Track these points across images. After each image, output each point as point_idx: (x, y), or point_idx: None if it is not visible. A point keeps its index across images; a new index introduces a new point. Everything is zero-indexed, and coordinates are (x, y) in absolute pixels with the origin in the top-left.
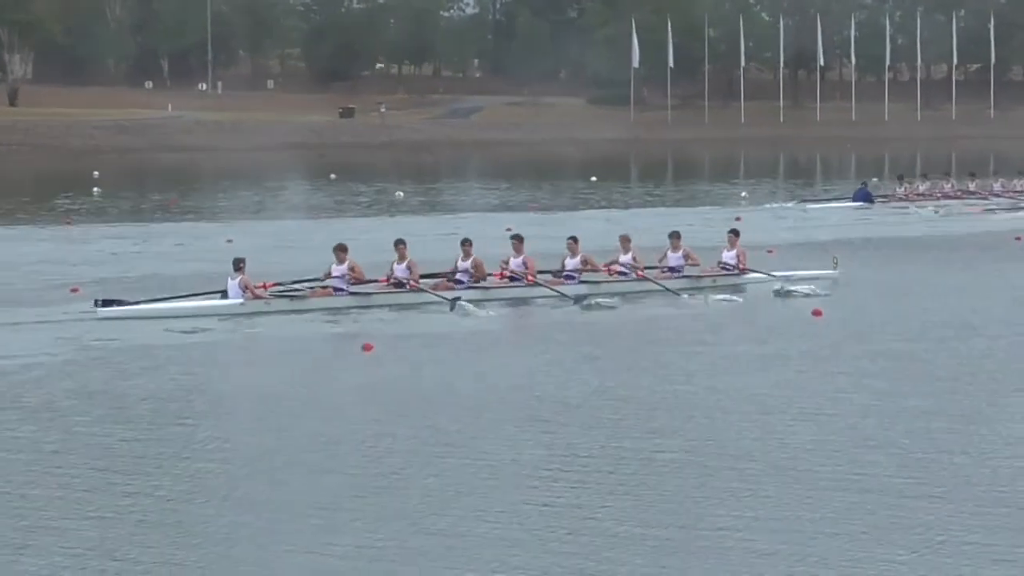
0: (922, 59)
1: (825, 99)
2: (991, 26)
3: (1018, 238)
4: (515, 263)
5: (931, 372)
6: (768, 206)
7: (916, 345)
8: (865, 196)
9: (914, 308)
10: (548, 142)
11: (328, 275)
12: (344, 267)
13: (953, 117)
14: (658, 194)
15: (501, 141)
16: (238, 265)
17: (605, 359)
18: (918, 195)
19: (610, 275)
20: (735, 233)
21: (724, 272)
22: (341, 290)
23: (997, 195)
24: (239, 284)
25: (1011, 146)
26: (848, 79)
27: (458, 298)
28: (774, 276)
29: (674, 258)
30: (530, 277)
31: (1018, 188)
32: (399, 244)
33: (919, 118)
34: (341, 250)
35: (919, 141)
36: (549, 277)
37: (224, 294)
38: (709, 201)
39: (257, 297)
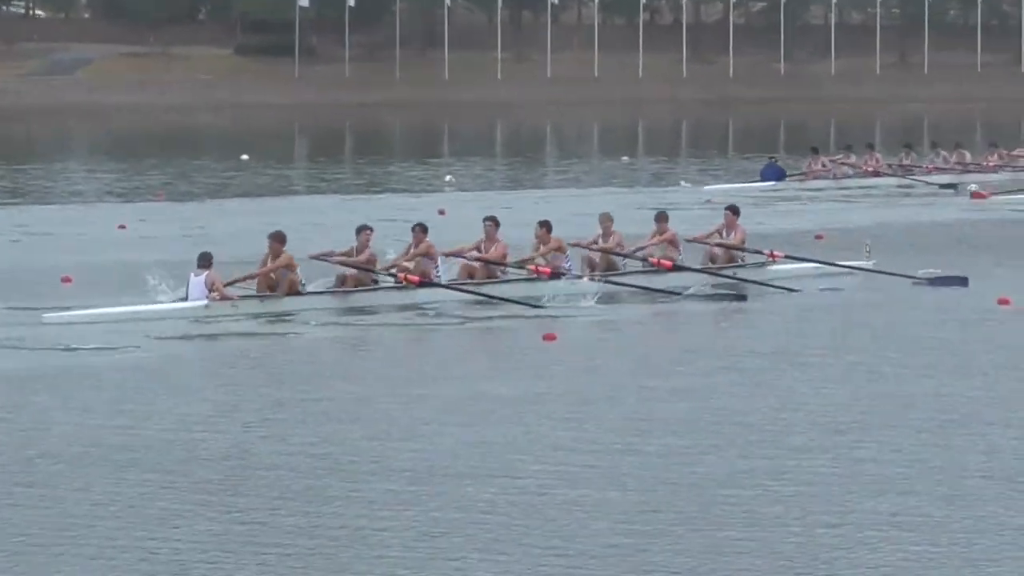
0: None
1: (558, 49)
2: None
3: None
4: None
5: None
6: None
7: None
8: (776, 173)
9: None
10: (182, 107)
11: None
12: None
13: (731, 73)
14: (332, 177)
15: (117, 106)
16: (205, 260)
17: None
18: (849, 164)
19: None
20: (734, 211)
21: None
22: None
23: (942, 169)
24: (205, 282)
25: (807, 112)
26: (589, 22)
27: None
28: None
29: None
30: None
31: (964, 161)
32: (364, 230)
33: (684, 73)
34: (278, 241)
35: (683, 104)
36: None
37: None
38: (402, 186)
39: (225, 298)
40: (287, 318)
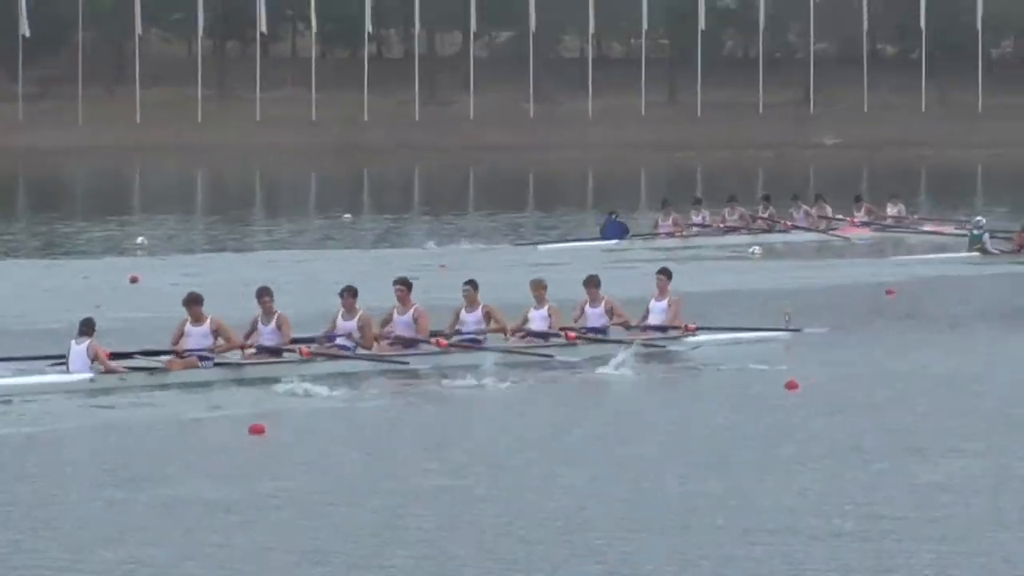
0: (421, 25)
1: (269, 86)
2: None
3: (890, 291)
4: (471, 317)
5: None
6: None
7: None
8: (618, 230)
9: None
10: None
11: (180, 337)
12: (205, 328)
13: (471, 115)
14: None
15: None
16: (87, 327)
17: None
18: (696, 224)
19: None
20: (667, 275)
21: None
22: (207, 359)
23: (802, 227)
24: (87, 351)
25: (561, 160)
26: (306, 55)
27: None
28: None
29: (594, 314)
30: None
31: (827, 215)
32: (264, 295)
33: (417, 116)
34: (196, 303)
35: (416, 151)
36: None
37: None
38: (86, 248)
39: (110, 370)
40: (187, 390)
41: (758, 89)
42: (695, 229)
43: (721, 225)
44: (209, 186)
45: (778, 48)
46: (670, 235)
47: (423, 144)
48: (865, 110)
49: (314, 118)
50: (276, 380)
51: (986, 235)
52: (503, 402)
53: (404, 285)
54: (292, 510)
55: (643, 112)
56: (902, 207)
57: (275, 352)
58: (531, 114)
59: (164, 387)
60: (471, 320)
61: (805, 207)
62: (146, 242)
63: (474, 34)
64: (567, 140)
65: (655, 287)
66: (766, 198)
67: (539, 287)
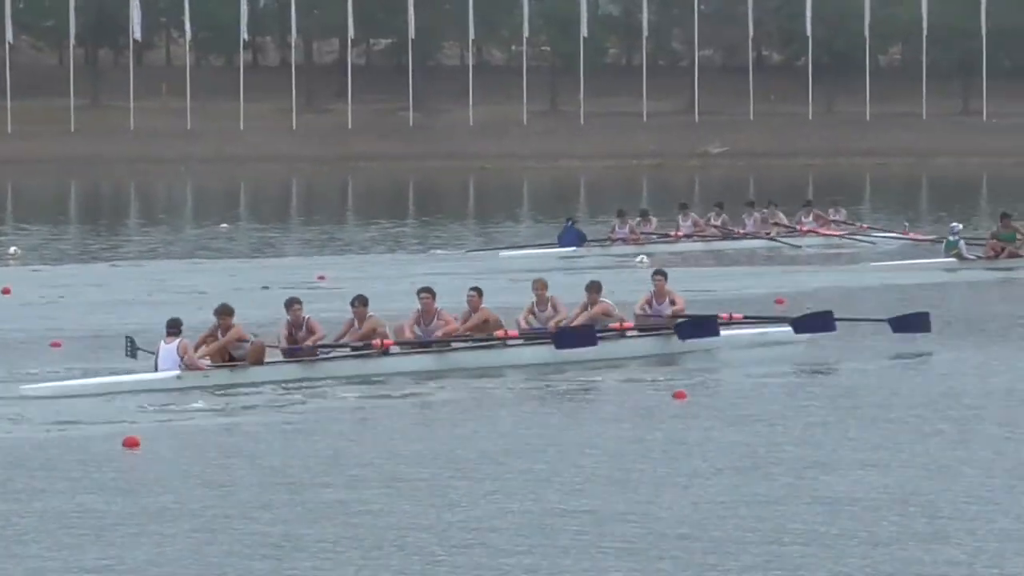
0: (298, 32)
1: (143, 95)
2: None
3: (779, 300)
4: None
5: None
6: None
7: None
8: (574, 238)
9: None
10: None
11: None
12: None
13: (349, 124)
14: None
15: None
16: (175, 327)
17: None
18: (650, 234)
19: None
20: (663, 276)
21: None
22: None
23: (754, 234)
24: (176, 350)
25: (441, 170)
26: (180, 63)
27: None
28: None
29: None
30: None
31: (780, 222)
32: (294, 304)
33: (294, 124)
34: (227, 315)
35: (294, 160)
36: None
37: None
38: None
39: (195, 368)
40: (258, 388)
41: (642, 97)
42: (654, 237)
43: (677, 233)
44: (83, 197)
45: (662, 56)
46: (625, 242)
47: (300, 153)
48: (751, 118)
49: (189, 127)
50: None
51: (962, 241)
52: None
53: (429, 293)
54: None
55: (525, 121)
56: (844, 212)
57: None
58: (411, 123)
59: (244, 384)
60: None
61: (756, 214)
62: (19, 252)
63: (352, 41)
64: (446, 150)
65: (653, 288)
66: (719, 205)
67: (541, 286)
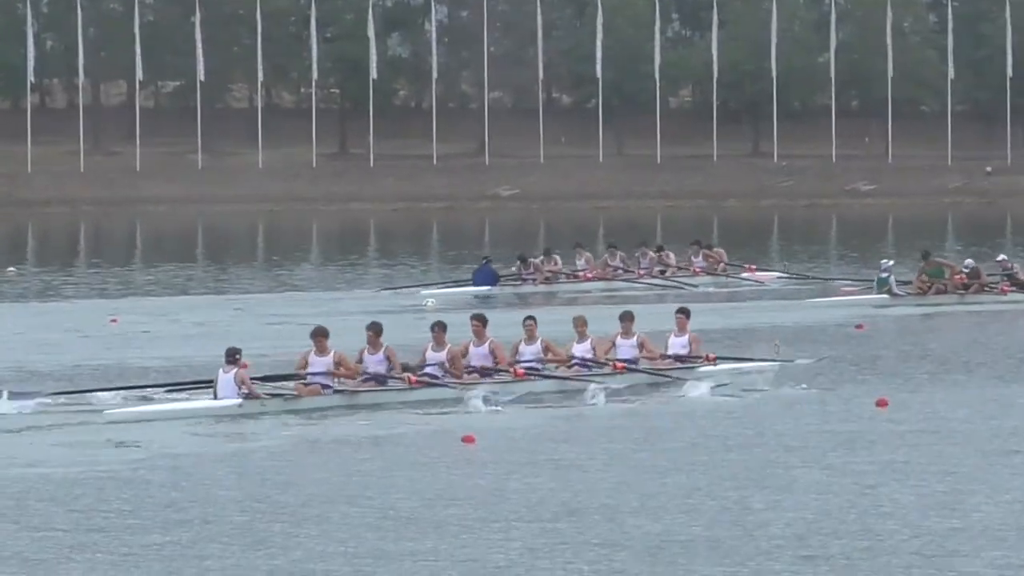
0: (85, 75)
1: None
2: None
3: (860, 326)
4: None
5: None
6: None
7: None
8: (488, 277)
9: None
10: None
11: (304, 366)
12: (328, 359)
13: (137, 167)
14: None
15: None
16: (233, 356)
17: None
18: (557, 273)
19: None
20: (686, 314)
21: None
22: (327, 387)
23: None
24: (235, 380)
25: (231, 213)
26: None
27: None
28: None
29: (626, 346)
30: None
31: (671, 263)
32: (371, 330)
33: (82, 167)
34: (322, 336)
35: (81, 203)
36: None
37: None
38: None
39: (254, 396)
40: (317, 416)
41: (432, 140)
42: (562, 277)
43: (587, 275)
44: None
45: (452, 98)
46: (535, 282)
47: (88, 196)
48: (541, 161)
49: None
50: (390, 405)
51: (892, 278)
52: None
53: (480, 321)
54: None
55: (314, 164)
56: (722, 252)
57: (382, 380)
58: (199, 165)
59: (295, 412)
60: (529, 352)
61: (651, 254)
62: None
63: (140, 84)
64: (235, 193)
65: (675, 325)
66: (612, 246)
67: (581, 323)
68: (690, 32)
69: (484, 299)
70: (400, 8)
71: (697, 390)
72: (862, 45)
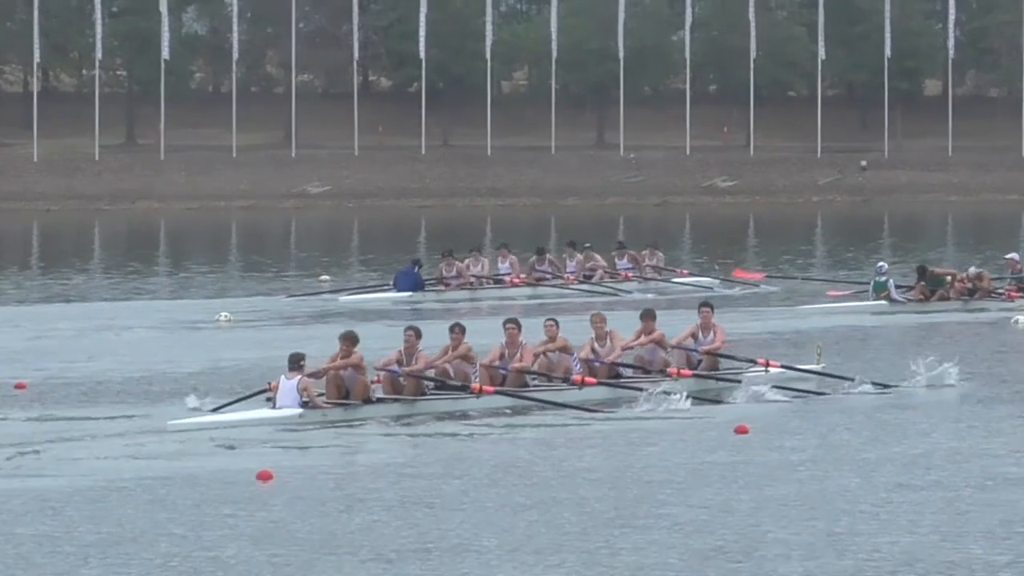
0: None
1: None
2: None
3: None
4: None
5: None
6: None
7: None
8: (413, 281)
9: None
10: None
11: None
12: (351, 371)
13: None
14: None
15: None
16: (298, 363)
17: None
18: (479, 277)
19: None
20: (710, 307)
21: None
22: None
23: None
24: (297, 387)
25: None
26: None
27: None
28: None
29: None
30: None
31: (600, 264)
32: (409, 331)
33: None
34: (351, 342)
35: None
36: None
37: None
38: None
39: (316, 406)
40: (369, 424)
41: (231, 129)
42: (487, 282)
43: (514, 279)
44: None
45: (255, 82)
46: (461, 287)
47: None
48: (356, 153)
49: None
50: (455, 414)
51: (891, 282)
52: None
53: (515, 325)
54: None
55: (97, 156)
56: (660, 256)
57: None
58: None
59: (360, 421)
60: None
61: (579, 256)
62: None
63: None
64: (8, 189)
65: (699, 320)
66: (540, 251)
67: (600, 320)
68: (526, 6)
69: (406, 305)
70: None
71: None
72: (721, 21)
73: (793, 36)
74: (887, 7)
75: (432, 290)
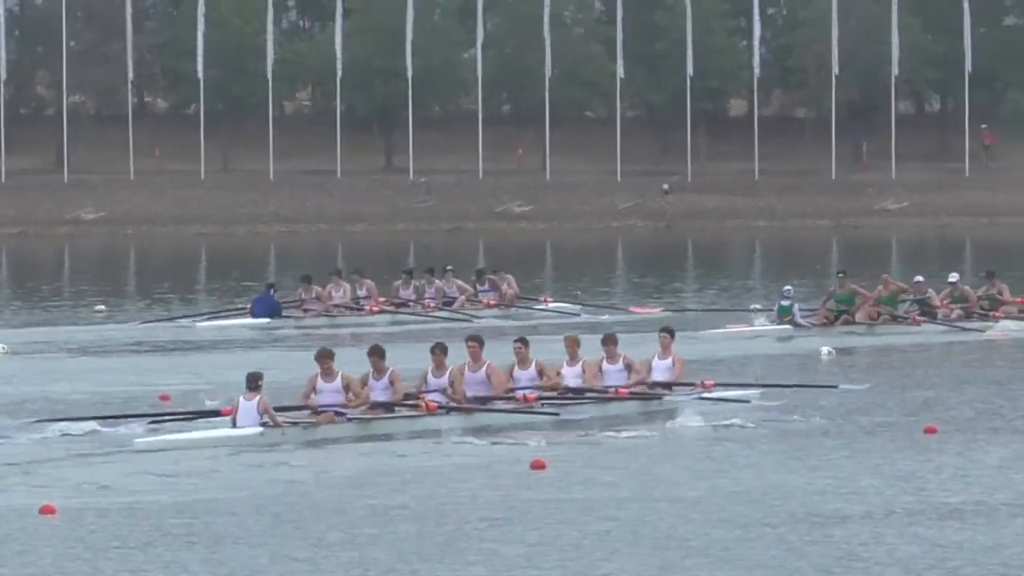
0: None
1: None
2: None
3: None
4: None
5: None
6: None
7: None
8: (269, 307)
9: None
10: None
11: (312, 391)
12: (337, 384)
13: None
14: None
15: None
16: (256, 383)
17: None
18: (341, 306)
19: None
20: (670, 333)
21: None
22: (341, 414)
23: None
24: (257, 407)
25: None
26: None
27: None
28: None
29: (613, 370)
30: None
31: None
32: (374, 354)
33: None
34: (328, 358)
35: None
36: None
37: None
38: None
39: (276, 424)
40: (333, 445)
41: None
42: (344, 310)
43: (372, 308)
44: None
45: (23, 103)
46: (318, 314)
47: None
48: (132, 178)
49: None
50: (411, 433)
51: (796, 306)
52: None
53: (477, 342)
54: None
55: None
56: (511, 279)
57: (389, 407)
58: None
59: (314, 442)
60: (524, 377)
61: (438, 282)
62: None
63: None
64: None
65: (658, 346)
66: (407, 272)
67: (573, 343)
68: (309, 23)
69: (264, 332)
70: None
71: (691, 419)
72: (515, 38)
73: (590, 54)
74: (688, 24)
75: (289, 316)
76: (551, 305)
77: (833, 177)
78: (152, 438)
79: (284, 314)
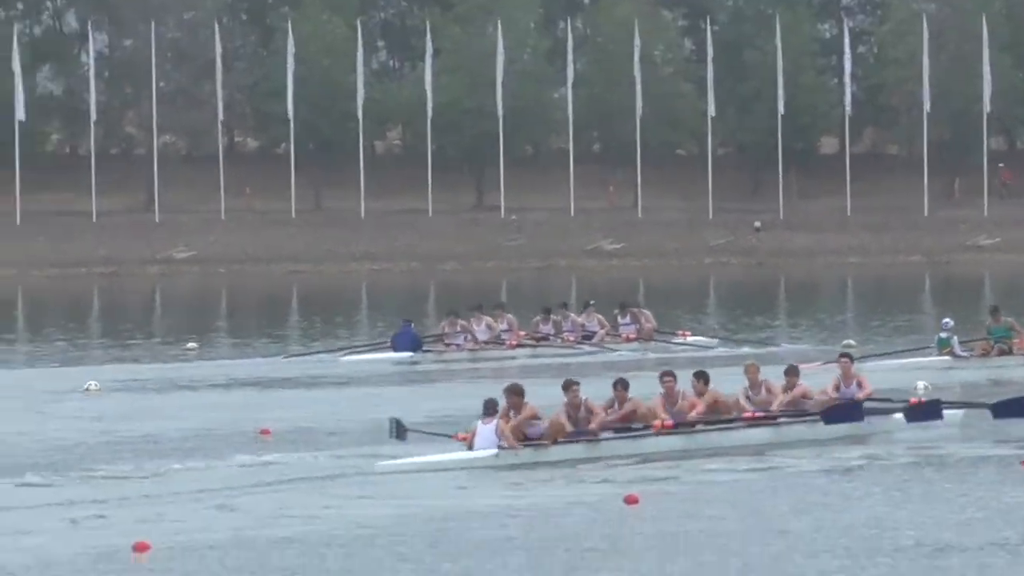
0: None
1: None
2: None
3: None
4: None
5: None
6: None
7: None
8: (411, 341)
9: None
10: None
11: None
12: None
13: None
14: None
15: None
16: (493, 408)
17: None
18: (488, 342)
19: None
20: (849, 358)
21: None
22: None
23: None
24: (495, 431)
25: None
26: None
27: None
28: None
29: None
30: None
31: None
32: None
33: None
34: (517, 395)
35: None
36: None
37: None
38: None
39: (511, 447)
40: (560, 464)
41: (91, 193)
42: (485, 344)
43: (511, 343)
44: None
45: (114, 143)
46: (460, 348)
47: None
48: (223, 217)
49: None
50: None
51: (955, 338)
52: None
53: (672, 377)
54: None
55: None
56: (648, 314)
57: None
58: None
59: (548, 462)
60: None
61: (573, 317)
62: None
63: None
64: None
65: (838, 371)
66: (547, 310)
67: (754, 370)
68: (399, 63)
69: (406, 366)
70: (51, 37)
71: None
72: (605, 78)
73: (681, 93)
74: (779, 63)
75: (430, 350)
76: (689, 339)
77: (925, 214)
78: (392, 462)
79: (425, 348)
